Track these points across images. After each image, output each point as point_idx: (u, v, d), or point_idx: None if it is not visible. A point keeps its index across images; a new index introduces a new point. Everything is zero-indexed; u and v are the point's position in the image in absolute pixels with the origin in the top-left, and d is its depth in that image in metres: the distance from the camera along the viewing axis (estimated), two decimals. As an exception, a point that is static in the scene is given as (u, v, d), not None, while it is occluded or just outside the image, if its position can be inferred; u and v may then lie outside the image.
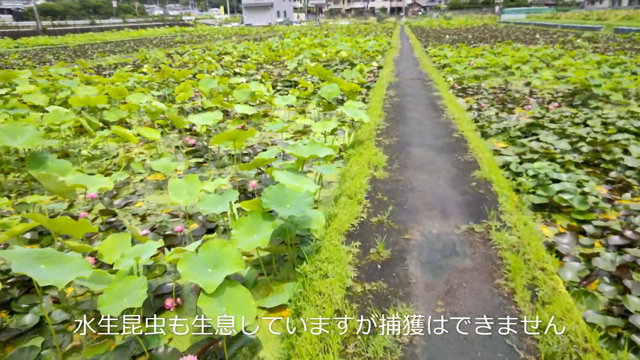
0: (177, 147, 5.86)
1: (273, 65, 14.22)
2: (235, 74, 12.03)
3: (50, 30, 46.15)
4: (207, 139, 6.02)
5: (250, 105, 8.02)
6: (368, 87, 9.60)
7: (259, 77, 10.43)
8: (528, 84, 9.56)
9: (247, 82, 10.60)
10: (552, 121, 6.18)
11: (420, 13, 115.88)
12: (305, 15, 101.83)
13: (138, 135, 5.03)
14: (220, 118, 4.82)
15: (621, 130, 5.49)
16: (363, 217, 3.28)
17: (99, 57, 18.18)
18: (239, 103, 7.00)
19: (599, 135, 5.44)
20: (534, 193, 3.84)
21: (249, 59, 15.55)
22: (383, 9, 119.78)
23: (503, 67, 11.68)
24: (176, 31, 48.94)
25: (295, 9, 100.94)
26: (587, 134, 5.52)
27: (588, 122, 6.03)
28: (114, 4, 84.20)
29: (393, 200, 3.59)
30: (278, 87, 9.82)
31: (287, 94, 8.79)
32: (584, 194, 3.81)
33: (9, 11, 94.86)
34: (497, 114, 6.90)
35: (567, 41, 20.58)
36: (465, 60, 12.31)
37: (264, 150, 5.47)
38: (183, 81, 9.10)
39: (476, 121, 6.48)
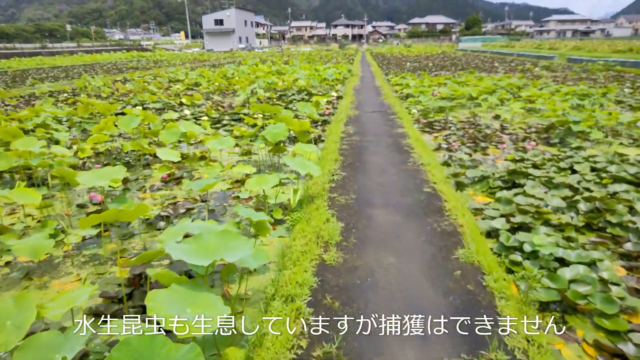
0: (79, 205, 4.58)
1: (224, 94, 13.11)
2: (180, 104, 10.83)
3: (-7, 53, 43.45)
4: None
5: (185, 146, 6.84)
6: (325, 122, 8.61)
7: (205, 109, 9.29)
8: (497, 117, 8.85)
9: (191, 114, 9.44)
10: (534, 166, 5.32)
11: (381, 40, 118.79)
12: (268, 41, 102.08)
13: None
14: (122, 176, 3.62)
15: (617, 179, 4.66)
16: (301, 349, 2.15)
17: (34, 84, 16.50)
18: (164, 146, 5.81)
19: (593, 185, 4.59)
20: (537, 280, 2.84)
21: (199, 87, 14.37)
22: (345, 36, 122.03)
23: (469, 98, 11.04)
24: (133, 56, 47.26)
25: (258, 34, 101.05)
26: (579, 183, 4.67)
27: (575, 166, 5.21)
28: (68, 28, 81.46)
29: (347, 308, 2.48)
30: (224, 121, 8.68)
31: (231, 131, 7.68)
32: (602, 281, 2.85)
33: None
34: (470, 155, 6.02)
35: (526, 69, 20.62)
36: (428, 90, 11.61)
37: (188, 210, 4.29)
38: (112, 114, 7.82)
39: (447, 164, 5.56)
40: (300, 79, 13.69)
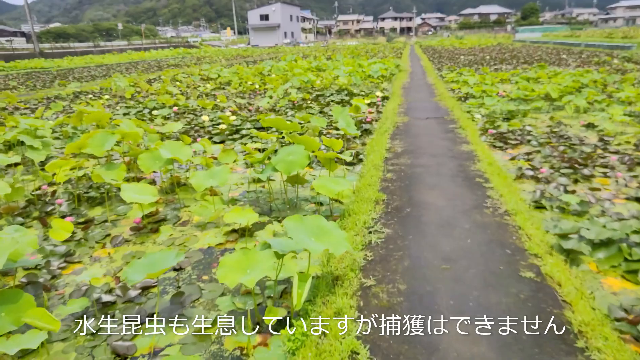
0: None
1: (254, 94, 11.70)
2: (202, 108, 9.50)
3: (48, 52, 44.76)
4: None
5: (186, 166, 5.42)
6: (366, 131, 6.93)
7: (223, 116, 7.88)
8: (591, 126, 6.82)
9: (210, 120, 8.07)
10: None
11: (430, 33, 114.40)
12: (314, 35, 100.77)
13: None
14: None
15: None
16: None
17: (64, 85, 15.87)
18: (145, 176, 4.37)
19: None
20: None
21: (230, 86, 13.05)
22: (393, 29, 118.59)
23: (545, 98, 8.97)
24: (179, 53, 47.30)
25: (304, 29, 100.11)
26: None
27: None
28: (120, 26, 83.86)
29: None
30: (244, 130, 7.21)
31: (249, 144, 6.19)
32: None
33: (22, 34, 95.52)
34: (572, 191, 4.17)
35: (602, 62, 17.85)
36: (493, 90, 9.61)
37: (146, 291, 2.81)
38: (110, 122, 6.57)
39: (540, 206, 3.77)
40: (340, 77, 12.03)
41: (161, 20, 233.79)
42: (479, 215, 3.47)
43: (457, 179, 4.37)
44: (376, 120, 7.83)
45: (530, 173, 4.71)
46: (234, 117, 8.11)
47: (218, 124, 7.96)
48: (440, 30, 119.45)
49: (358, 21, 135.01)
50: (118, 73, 19.14)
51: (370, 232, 3.22)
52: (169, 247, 3.38)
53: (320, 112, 8.73)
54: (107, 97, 12.00)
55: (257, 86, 13.13)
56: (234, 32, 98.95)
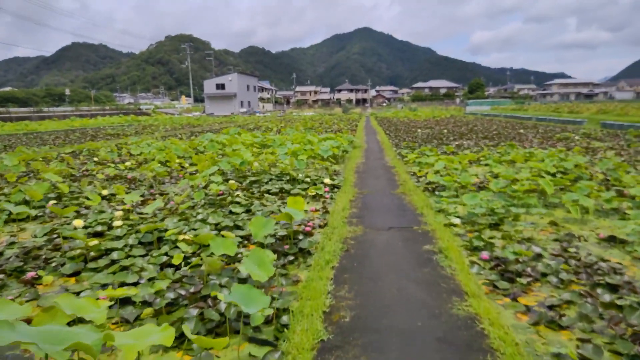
0: None
1: (178, 179, 9.34)
2: (77, 213, 6.98)
3: (-23, 118, 41.14)
4: None
5: None
6: (302, 252, 4.64)
7: (116, 214, 5.41)
8: (614, 240, 4.86)
9: (89, 224, 5.58)
10: None
11: (385, 104, 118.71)
12: (273, 105, 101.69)
13: None
14: None
15: None
16: None
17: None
18: None
19: None
20: None
21: (149, 165, 10.64)
22: (349, 100, 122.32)
23: (533, 190, 7.15)
24: (127, 121, 44.87)
25: (262, 99, 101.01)
26: None
27: None
28: (67, 92, 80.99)
29: None
30: (115, 255, 4.72)
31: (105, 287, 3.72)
32: None
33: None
34: None
35: (564, 138, 17.02)
36: (466, 178, 7.73)
37: None
38: None
39: None
40: (283, 159, 9.96)
41: (119, 87, 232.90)
42: None
43: None
44: (321, 226, 5.60)
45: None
46: (119, 223, 5.65)
47: (90, 235, 5.47)
48: (394, 102, 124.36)
49: (315, 92, 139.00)
50: (24, 146, 16.35)
51: None
52: None
53: (247, 212, 6.44)
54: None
55: (186, 165, 10.83)
56: (192, 100, 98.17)
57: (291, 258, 4.48)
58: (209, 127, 30.80)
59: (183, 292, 3.62)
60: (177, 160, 10.98)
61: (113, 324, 3.25)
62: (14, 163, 10.43)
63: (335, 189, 7.99)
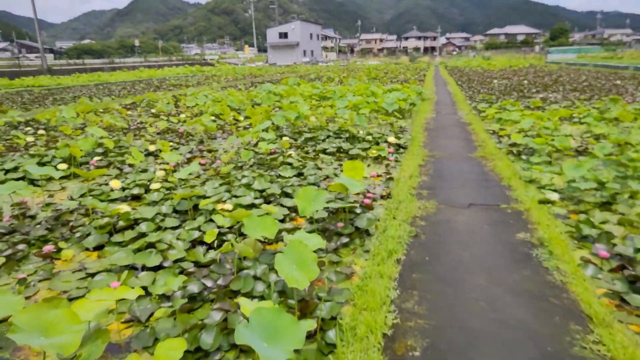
0: None
1: (226, 135, 8.74)
2: (120, 171, 6.54)
3: (57, 69, 43.33)
4: None
5: None
6: (359, 232, 3.80)
7: (158, 175, 4.91)
8: None
9: (127, 185, 5.12)
10: None
11: (455, 53, 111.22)
12: (336, 54, 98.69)
13: None
14: None
15: None
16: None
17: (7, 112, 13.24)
18: None
19: None
20: None
21: (202, 117, 10.13)
22: (416, 49, 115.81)
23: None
24: (192, 71, 45.32)
25: (326, 48, 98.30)
26: None
27: None
28: (136, 43, 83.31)
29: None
30: (143, 226, 4.15)
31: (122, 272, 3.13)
32: None
33: (51, 50, 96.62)
34: None
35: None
36: (564, 141, 6.34)
37: None
38: None
39: None
40: (342, 114, 8.99)
41: (186, 38, 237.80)
42: None
43: None
44: (384, 197, 4.70)
45: None
46: (157, 185, 5.11)
47: (127, 198, 4.98)
48: (465, 50, 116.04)
49: (381, 40, 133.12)
50: (90, 97, 16.57)
51: None
52: None
53: (299, 175, 5.66)
54: (41, 131, 9.22)
55: (240, 119, 10.21)
56: (255, 50, 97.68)
57: (345, 240, 3.65)
58: (270, 77, 30.09)
59: (210, 284, 2.94)
60: (231, 114, 10.34)
61: (123, 322, 2.64)
62: (71, 115, 10.33)
63: (401, 150, 6.96)
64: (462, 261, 3.09)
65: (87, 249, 3.69)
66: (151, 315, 2.68)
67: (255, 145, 7.44)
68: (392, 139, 7.18)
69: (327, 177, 5.60)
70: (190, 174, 5.57)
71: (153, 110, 12.28)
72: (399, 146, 7.22)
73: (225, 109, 10.28)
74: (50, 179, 5.90)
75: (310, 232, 3.65)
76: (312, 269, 2.39)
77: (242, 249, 2.94)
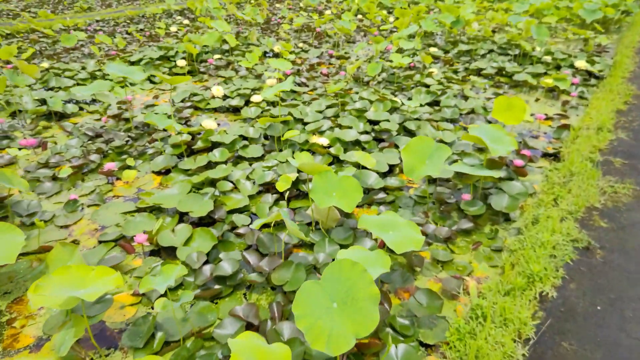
0: None
1: (367, 39, 7.46)
2: (236, 72, 5.87)
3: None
4: None
5: None
6: (507, 219, 2.54)
7: (269, 83, 4.25)
8: None
9: (229, 92, 4.57)
10: None
11: None
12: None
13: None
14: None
15: None
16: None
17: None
18: None
19: None
20: None
21: (343, 12, 8.90)
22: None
23: None
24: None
25: None
26: None
27: None
28: None
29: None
30: (214, 151, 3.45)
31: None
32: None
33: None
34: None
35: None
36: None
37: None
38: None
39: None
40: (516, 21, 6.86)
41: None
42: None
43: None
44: (550, 156, 3.21)
45: None
46: (258, 99, 4.33)
47: (228, 109, 4.38)
48: None
49: None
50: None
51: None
52: None
53: (432, 104, 4.32)
54: (186, 21, 9.15)
55: (388, 20, 8.71)
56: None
57: (467, 225, 2.43)
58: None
59: (252, 260, 2.13)
60: (376, 13, 8.83)
61: (132, 295, 2.03)
62: (215, 6, 10.00)
63: (592, 82, 4.91)
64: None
65: (151, 172, 3.18)
66: (171, 289, 2.02)
67: (372, 62, 6.08)
68: (581, 63, 5.09)
69: (472, 111, 4.14)
70: (293, 88, 4.64)
71: (301, 4, 11.37)
72: (590, 75, 5.14)
73: (372, 6, 8.79)
74: (170, 73, 5.60)
75: (403, 209, 2.52)
76: (366, 314, 1.34)
77: (293, 231, 2.00)
